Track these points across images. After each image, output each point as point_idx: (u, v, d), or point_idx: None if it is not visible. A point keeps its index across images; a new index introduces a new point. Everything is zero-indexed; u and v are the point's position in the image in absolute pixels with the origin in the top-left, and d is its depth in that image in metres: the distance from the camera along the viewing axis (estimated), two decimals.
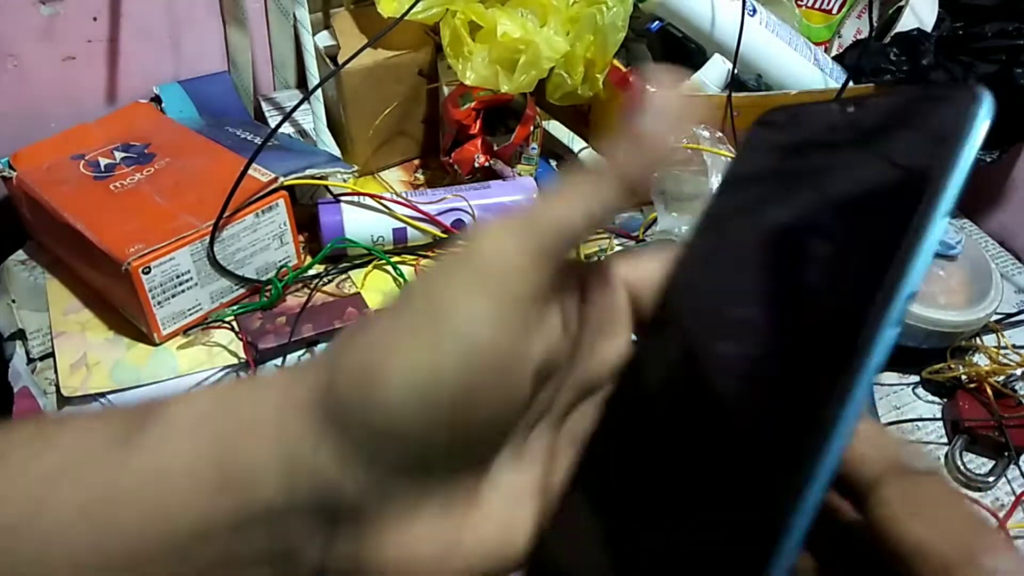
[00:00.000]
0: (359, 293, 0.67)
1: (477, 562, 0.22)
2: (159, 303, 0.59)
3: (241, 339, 0.62)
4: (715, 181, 0.67)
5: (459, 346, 0.19)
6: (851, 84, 0.75)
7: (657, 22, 0.78)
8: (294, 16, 0.75)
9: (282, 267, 0.66)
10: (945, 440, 0.62)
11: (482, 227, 0.20)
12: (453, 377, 0.19)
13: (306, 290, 0.66)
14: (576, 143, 0.77)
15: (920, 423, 0.63)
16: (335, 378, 0.20)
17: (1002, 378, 0.62)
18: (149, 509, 0.19)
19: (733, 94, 0.73)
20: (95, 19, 0.72)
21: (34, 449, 0.20)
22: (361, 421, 0.19)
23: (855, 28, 0.85)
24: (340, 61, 0.68)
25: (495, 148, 0.73)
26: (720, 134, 0.71)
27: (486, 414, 0.20)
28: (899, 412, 0.64)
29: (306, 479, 0.20)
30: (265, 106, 0.80)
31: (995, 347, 0.67)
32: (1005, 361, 0.64)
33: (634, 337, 0.24)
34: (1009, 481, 0.59)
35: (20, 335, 0.62)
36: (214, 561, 0.19)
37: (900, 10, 0.80)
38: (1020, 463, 0.59)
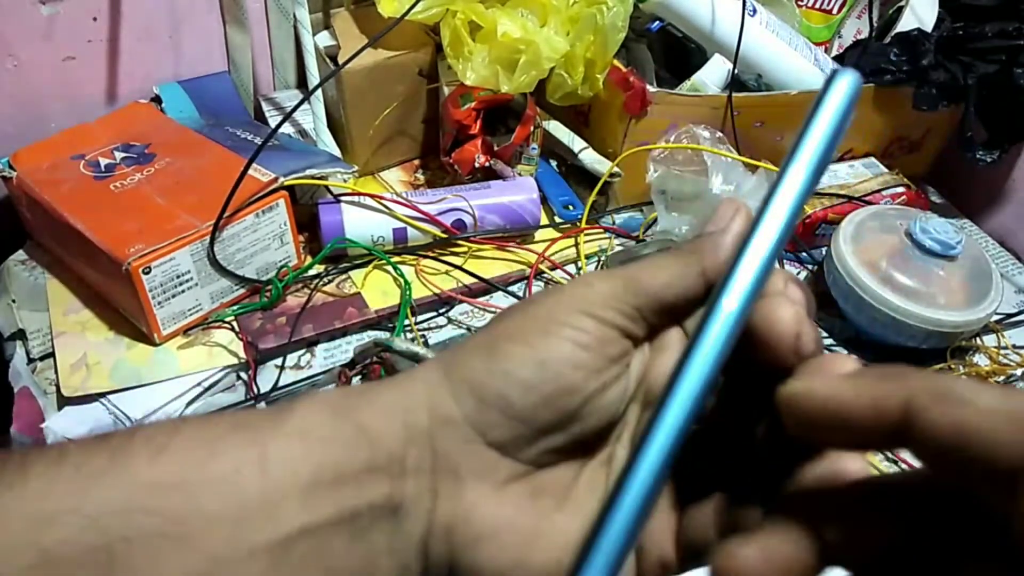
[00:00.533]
0: (359, 293, 0.67)
1: (559, 554, 0.25)
2: (159, 303, 0.59)
3: (241, 339, 0.62)
4: (716, 181, 0.67)
5: (567, 345, 0.24)
6: None
7: (657, 22, 0.78)
8: (294, 16, 0.75)
9: (282, 267, 0.66)
10: None
11: (596, 273, 0.27)
12: (556, 366, 0.24)
13: (306, 290, 0.66)
14: (576, 143, 0.77)
15: None
16: (461, 351, 0.25)
17: (1002, 378, 0.62)
18: (295, 459, 0.23)
19: (733, 94, 0.73)
20: (95, 19, 0.72)
21: (201, 421, 0.24)
22: (480, 382, 0.24)
23: (855, 28, 0.85)
24: (340, 61, 0.68)
25: (495, 148, 0.73)
26: (720, 134, 0.71)
27: (579, 409, 0.25)
28: None
29: (423, 427, 0.24)
30: (265, 106, 0.80)
31: (995, 347, 0.67)
32: (1005, 361, 0.64)
33: None
34: None
35: (20, 335, 0.62)
36: (343, 514, 0.23)
37: (900, 10, 0.80)
38: None
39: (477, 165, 0.72)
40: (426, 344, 0.65)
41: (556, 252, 0.73)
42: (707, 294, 0.26)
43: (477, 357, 0.25)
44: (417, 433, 0.24)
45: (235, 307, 0.64)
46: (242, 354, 0.61)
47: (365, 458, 0.23)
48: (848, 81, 0.23)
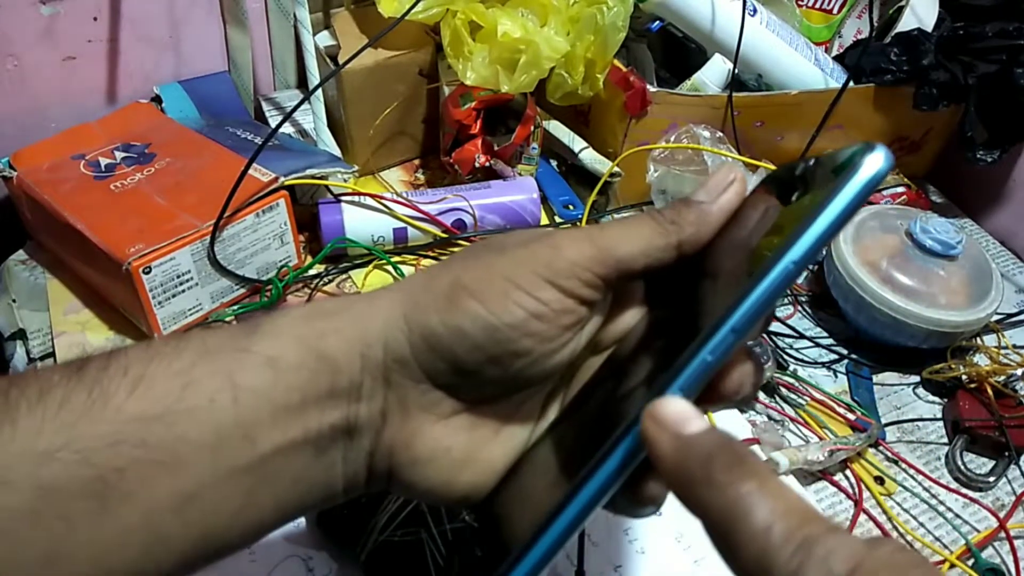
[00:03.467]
0: (359, 293, 0.67)
1: (482, 478, 0.28)
2: (159, 303, 0.59)
3: None
4: None
5: (521, 314, 0.25)
6: (851, 84, 0.75)
7: (657, 22, 0.78)
8: (294, 16, 0.75)
9: (282, 267, 0.66)
10: (945, 440, 0.62)
11: (565, 232, 0.27)
12: (508, 332, 0.25)
13: (306, 290, 0.66)
14: (576, 143, 0.77)
15: (920, 423, 0.63)
16: (423, 292, 0.26)
17: (1002, 378, 0.62)
18: (264, 387, 0.25)
19: (733, 94, 0.73)
20: (95, 19, 0.72)
21: (171, 349, 0.25)
22: (434, 333, 0.26)
23: (855, 28, 0.85)
24: (340, 61, 0.68)
25: (495, 148, 0.73)
26: (720, 134, 0.71)
27: (524, 368, 0.26)
28: (899, 412, 0.64)
29: (378, 360, 0.26)
30: (265, 106, 0.80)
31: (995, 347, 0.67)
32: (1005, 361, 0.64)
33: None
34: (1009, 481, 0.59)
35: (20, 335, 0.62)
36: (309, 434, 0.25)
37: (900, 10, 0.80)
38: (1020, 463, 0.59)
39: (477, 165, 0.72)
40: None
41: None
42: (677, 263, 0.26)
43: (435, 306, 0.26)
44: (373, 365, 0.26)
45: (235, 307, 0.64)
46: None
47: (327, 384, 0.26)
48: (881, 157, 0.22)
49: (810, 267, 0.76)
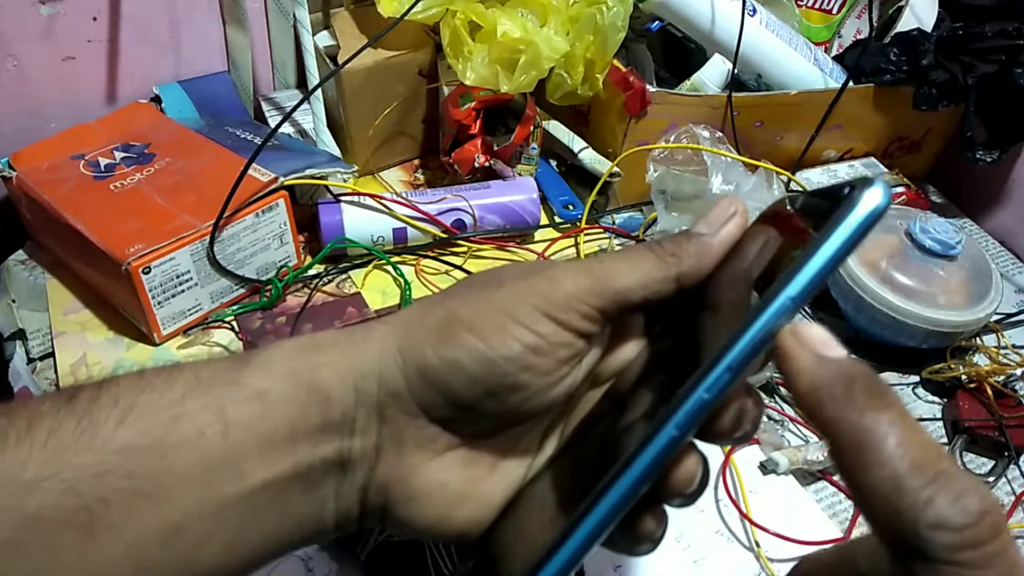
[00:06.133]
0: (359, 293, 0.67)
1: (479, 514, 0.27)
2: (159, 303, 0.59)
3: (241, 339, 0.62)
4: (715, 181, 0.67)
5: (518, 347, 0.25)
6: (851, 84, 0.75)
7: (657, 22, 0.78)
8: (294, 16, 0.75)
9: (282, 267, 0.66)
10: (945, 440, 0.62)
11: (562, 265, 0.27)
12: (505, 366, 0.25)
13: (306, 290, 0.66)
14: (576, 143, 0.77)
15: (920, 423, 0.63)
16: (418, 325, 0.26)
17: (1002, 378, 0.62)
18: (254, 420, 0.24)
19: (733, 94, 0.73)
20: (95, 19, 0.72)
21: (163, 380, 0.25)
22: (430, 367, 0.25)
23: (855, 28, 0.85)
24: (340, 61, 0.68)
25: (495, 148, 0.73)
26: (720, 134, 0.71)
27: (522, 402, 0.26)
28: None
29: (372, 394, 0.25)
30: (265, 106, 0.80)
31: (995, 347, 0.67)
32: (1005, 361, 0.64)
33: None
34: (1009, 481, 0.59)
35: (20, 335, 0.62)
36: (299, 468, 0.25)
37: (900, 10, 0.80)
38: (1020, 463, 0.59)
39: (477, 165, 0.72)
40: None
41: (556, 252, 0.73)
42: (677, 296, 0.26)
43: (430, 340, 0.26)
44: (367, 398, 0.26)
45: (235, 307, 0.64)
46: None
47: (319, 418, 0.25)
48: (880, 192, 0.22)
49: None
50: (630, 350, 0.29)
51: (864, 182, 0.22)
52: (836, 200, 0.22)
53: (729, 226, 0.26)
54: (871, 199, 0.21)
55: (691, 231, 0.26)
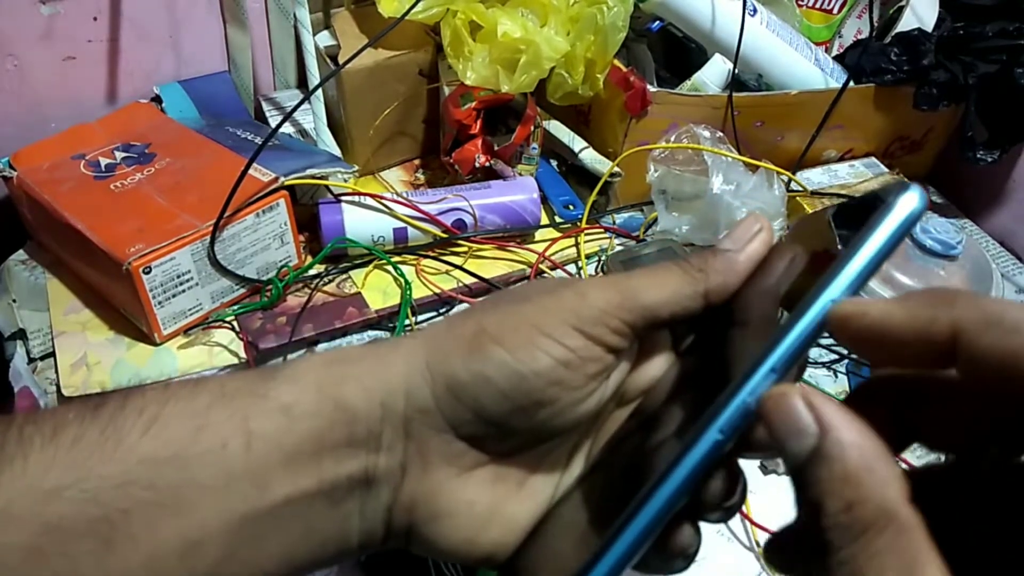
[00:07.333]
0: (359, 293, 0.67)
1: (506, 536, 0.27)
2: (160, 303, 0.59)
3: (242, 339, 0.62)
4: (715, 181, 0.67)
5: (548, 361, 0.25)
6: (851, 84, 0.75)
7: (658, 22, 0.78)
8: (294, 16, 0.75)
9: (283, 267, 0.66)
10: None
11: (590, 280, 0.27)
12: (534, 380, 0.25)
13: (307, 290, 0.66)
14: (577, 143, 0.77)
15: None
16: (447, 338, 0.26)
17: None
18: (278, 433, 0.24)
19: (734, 94, 0.73)
20: (95, 19, 0.72)
21: (188, 391, 0.25)
22: (459, 381, 0.25)
23: (855, 28, 0.85)
24: (340, 61, 0.68)
25: (495, 148, 0.73)
26: (720, 134, 0.71)
27: (550, 418, 0.25)
28: None
29: (399, 410, 0.25)
30: (265, 106, 0.80)
31: None
32: None
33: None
34: None
35: (21, 335, 0.62)
36: (324, 484, 0.25)
37: (900, 10, 0.80)
38: None
39: (477, 165, 0.72)
40: None
41: (556, 252, 0.73)
42: (705, 312, 0.26)
43: (459, 353, 0.25)
44: (393, 415, 0.25)
45: (235, 307, 0.64)
46: (242, 354, 0.61)
47: (345, 433, 0.25)
48: (915, 196, 0.22)
49: None
50: (657, 367, 0.28)
51: (900, 186, 0.22)
52: (870, 207, 0.22)
53: (755, 243, 0.26)
54: (908, 202, 0.22)
55: (717, 247, 0.27)
